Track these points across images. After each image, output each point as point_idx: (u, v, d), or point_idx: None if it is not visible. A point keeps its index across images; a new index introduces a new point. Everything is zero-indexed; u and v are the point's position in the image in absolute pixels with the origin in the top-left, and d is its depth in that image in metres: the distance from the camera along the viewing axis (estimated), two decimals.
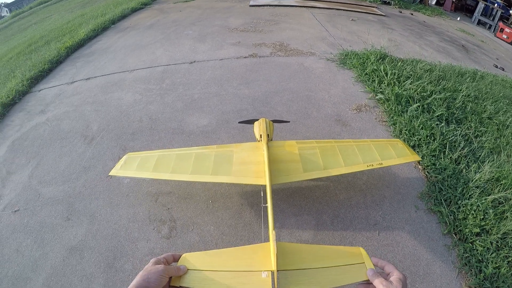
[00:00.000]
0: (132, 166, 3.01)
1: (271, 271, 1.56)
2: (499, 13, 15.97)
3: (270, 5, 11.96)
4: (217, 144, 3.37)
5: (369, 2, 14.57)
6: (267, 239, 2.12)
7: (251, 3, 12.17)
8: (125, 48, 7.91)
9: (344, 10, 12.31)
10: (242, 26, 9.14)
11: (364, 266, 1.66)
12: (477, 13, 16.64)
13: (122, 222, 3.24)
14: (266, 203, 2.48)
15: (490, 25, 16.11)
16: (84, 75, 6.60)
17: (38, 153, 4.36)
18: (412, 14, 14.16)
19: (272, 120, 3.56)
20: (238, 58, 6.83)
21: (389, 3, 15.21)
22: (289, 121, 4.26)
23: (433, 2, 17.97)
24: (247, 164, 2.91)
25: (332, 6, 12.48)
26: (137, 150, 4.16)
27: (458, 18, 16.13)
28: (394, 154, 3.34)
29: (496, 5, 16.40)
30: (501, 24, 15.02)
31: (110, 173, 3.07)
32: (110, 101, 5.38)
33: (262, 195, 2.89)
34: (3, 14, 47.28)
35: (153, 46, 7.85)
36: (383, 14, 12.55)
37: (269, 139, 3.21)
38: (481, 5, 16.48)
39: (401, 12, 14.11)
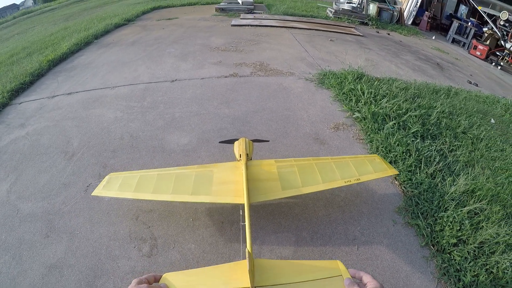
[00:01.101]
0: (115, 186, 3.08)
1: None
2: (472, 31, 16.85)
3: (251, 25, 12.35)
4: (197, 164, 3.54)
5: (347, 22, 15.16)
6: (245, 257, 2.22)
7: (233, 23, 12.53)
8: (107, 64, 8.00)
9: (323, 30, 12.79)
10: (224, 46, 9.41)
11: (342, 279, 1.73)
12: (451, 32, 17.50)
13: (102, 240, 3.26)
14: (244, 222, 2.58)
15: (464, 43, 16.95)
16: (65, 90, 6.63)
17: (17, 168, 4.35)
18: (389, 34, 14.80)
19: (252, 140, 3.70)
20: (219, 78, 7.03)
21: (366, 24, 15.87)
22: (268, 141, 4.41)
23: (409, 22, 18.80)
24: (227, 183, 3.01)
25: (311, 27, 12.96)
26: (117, 168, 4.25)
27: (433, 37, 16.91)
28: (372, 169, 3.51)
29: (469, 23, 17.31)
30: (474, 41, 15.84)
31: (93, 193, 3.11)
32: (91, 117, 5.44)
33: (241, 213, 2.98)
34: None
35: (135, 63, 7.97)
36: (360, 34, 13.09)
37: (249, 158, 3.34)
38: (455, 24, 17.37)
39: (378, 32, 14.73)
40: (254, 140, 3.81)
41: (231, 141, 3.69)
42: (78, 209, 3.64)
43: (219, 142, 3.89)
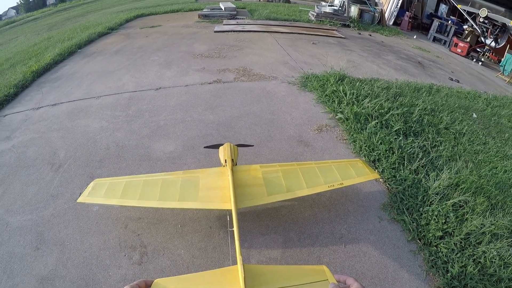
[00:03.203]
0: (100, 193, 3.12)
1: None
2: (453, 29, 17.37)
3: (234, 31, 12.50)
4: (183, 170, 3.53)
5: (329, 25, 15.44)
6: (235, 262, 2.29)
7: (216, 29, 12.67)
8: (91, 74, 8.01)
9: (305, 34, 13.02)
10: (207, 52, 9.52)
11: (327, 283, 1.87)
12: (432, 31, 17.99)
13: (92, 250, 3.30)
14: (232, 227, 2.65)
15: (445, 41, 17.44)
16: (50, 101, 6.63)
17: (4, 181, 4.34)
18: (370, 35, 15.15)
19: (236, 145, 3.80)
20: (203, 84, 7.13)
21: (348, 26, 16.20)
22: (253, 145, 4.52)
23: (391, 23, 19.27)
24: (213, 189, 3.10)
25: (294, 31, 13.19)
26: (104, 177, 4.27)
27: (415, 37, 17.36)
28: (354, 174, 3.67)
29: (450, 22, 17.84)
30: (455, 39, 16.33)
31: (78, 200, 3.15)
32: (77, 128, 5.46)
33: (228, 219, 3.05)
34: None
35: (120, 72, 8.01)
36: (342, 36, 13.36)
37: (234, 163, 3.43)
38: (436, 23, 17.87)
39: (360, 33, 15.06)
40: (239, 145, 3.91)
41: (216, 146, 3.79)
42: (67, 220, 3.66)
43: (204, 147, 4.02)
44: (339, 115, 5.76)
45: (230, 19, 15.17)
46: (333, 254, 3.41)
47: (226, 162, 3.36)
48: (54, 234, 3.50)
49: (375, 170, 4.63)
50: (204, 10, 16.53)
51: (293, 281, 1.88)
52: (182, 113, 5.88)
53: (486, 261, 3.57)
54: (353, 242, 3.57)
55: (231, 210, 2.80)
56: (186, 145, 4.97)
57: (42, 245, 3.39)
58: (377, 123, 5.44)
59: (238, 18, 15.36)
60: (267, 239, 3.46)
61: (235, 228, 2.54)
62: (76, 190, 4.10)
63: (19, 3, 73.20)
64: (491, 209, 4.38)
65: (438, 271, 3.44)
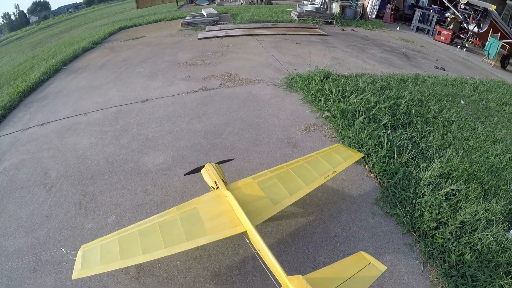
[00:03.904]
0: (95, 260, 2.70)
1: None
2: (435, 18, 17.55)
3: (217, 37, 12.53)
4: (175, 206, 3.19)
5: (312, 23, 15.51)
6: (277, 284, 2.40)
7: (199, 36, 12.69)
8: (78, 91, 8.01)
9: (288, 34, 13.08)
10: (191, 60, 9.53)
11: (373, 265, 2.27)
12: (415, 21, 18.13)
13: None
14: (256, 249, 2.62)
15: (428, 30, 17.59)
16: (38, 121, 6.60)
17: None
18: (353, 30, 15.24)
19: (217, 163, 3.67)
20: (189, 93, 7.13)
21: (331, 23, 16.28)
22: (233, 159, 4.34)
23: (373, 16, 19.37)
24: (218, 217, 2.94)
25: (277, 32, 13.24)
26: (97, 195, 4.27)
27: (398, 28, 17.49)
28: (341, 159, 3.73)
29: (432, 10, 18.01)
30: (438, 27, 16.49)
31: (74, 277, 2.65)
32: (66, 146, 5.45)
33: (247, 241, 2.92)
34: None
35: (105, 86, 8.01)
36: (326, 33, 13.43)
37: (225, 183, 3.32)
38: (418, 13, 18.02)
39: (343, 29, 15.14)
40: (219, 162, 3.76)
41: (197, 170, 3.65)
42: (63, 240, 3.65)
43: (185, 174, 3.84)
44: (326, 114, 5.78)
45: (213, 25, 15.19)
46: (328, 254, 3.41)
47: (216, 184, 3.26)
48: (51, 254, 3.49)
49: (365, 166, 4.66)
50: (186, 18, 16.55)
51: (345, 275, 2.17)
52: (170, 123, 5.87)
53: (483, 247, 3.58)
54: (348, 240, 3.58)
55: (245, 232, 2.76)
56: (175, 156, 4.97)
57: (40, 266, 3.38)
58: (365, 118, 5.46)
59: (221, 23, 15.40)
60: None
61: (264, 247, 2.49)
62: (70, 209, 4.08)
63: (1, 23, 73.26)
64: (484, 195, 4.40)
65: (435, 262, 3.45)
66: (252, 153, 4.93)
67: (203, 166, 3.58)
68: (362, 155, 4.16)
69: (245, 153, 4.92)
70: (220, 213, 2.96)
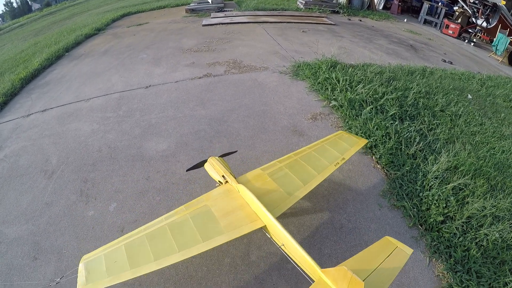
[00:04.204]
0: (101, 272, 2.41)
1: None
2: (443, 11, 17.33)
3: (222, 24, 12.34)
4: (184, 205, 2.99)
5: (318, 12, 15.32)
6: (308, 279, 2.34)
7: (204, 22, 12.50)
8: (80, 77, 7.91)
9: (295, 22, 12.89)
10: (196, 47, 9.40)
11: (400, 250, 2.32)
12: (422, 13, 17.89)
13: None
14: (279, 244, 2.52)
15: (436, 23, 17.37)
16: (40, 107, 6.53)
17: None
18: (360, 20, 15.04)
19: (220, 156, 3.52)
20: (193, 79, 7.03)
21: (338, 12, 16.08)
22: (236, 151, 4.11)
23: (381, 7, 19.13)
24: (232, 213, 2.77)
25: (283, 20, 13.05)
26: (98, 181, 4.21)
27: (405, 20, 17.26)
28: (347, 145, 3.66)
29: (440, 3, 17.77)
30: (446, 21, 16.27)
31: None
32: (68, 133, 5.38)
33: (268, 236, 2.78)
34: None
35: (108, 72, 7.91)
36: (332, 23, 13.24)
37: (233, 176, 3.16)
38: (426, 5, 17.77)
39: (350, 19, 14.94)
40: (222, 155, 3.60)
41: (200, 165, 3.48)
42: (63, 227, 3.61)
43: (187, 170, 3.63)
44: (333, 103, 5.69)
45: (217, 11, 14.97)
46: (334, 245, 3.37)
47: (224, 178, 3.10)
48: (51, 242, 3.45)
49: (372, 157, 4.60)
50: (191, 4, 16.30)
51: (376, 262, 2.21)
52: (173, 109, 5.79)
53: (488, 244, 3.55)
54: (354, 232, 3.53)
55: (264, 226, 2.64)
56: (179, 142, 4.89)
57: (40, 254, 3.34)
58: (372, 108, 5.38)
59: (226, 10, 15.17)
60: (265, 234, 3.38)
61: (290, 240, 2.39)
62: (71, 196, 4.03)
63: (4, 10, 72.56)
64: (491, 191, 4.36)
65: (441, 256, 3.42)
66: (257, 141, 4.86)
67: (206, 160, 3.42)
68: (367, 141, 4.11)
69: (250, 141, 4.85)
70: (234, 208, 2.79)
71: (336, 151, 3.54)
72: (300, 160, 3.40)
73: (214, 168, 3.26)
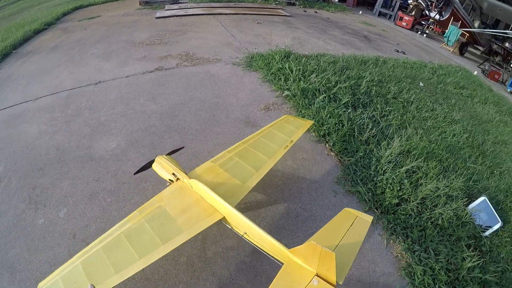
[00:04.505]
0: None
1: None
2: (398, 4, 18.14)
3: (176, 16, 12.12)
4: (136, 210, 2.84)
5: (275, 4, 15.45)
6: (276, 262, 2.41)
7: (157, 15, 12.23)
8: (27, 75, 7.45)
9: (250, 14, 12.93)
10: (148, 40, 9.16)
11: (360, 218, 2.47)
12: (377, 6, 18.61)
13: (43, 267, 3.09)
14: (241, 233, 2.53)
15: (390, 15, 18.14)
16: None
17: None
18: (316, 12, 15.34)
19: (167, 154, 3.46)
20: (144, 73, 6.85)
21: (294, 4, 16.29)
22: (183, 147, 4.00)
23: (337, 0, 19.65)
24: (188, 209, 2.73)
25: (238, 11, 13.03)
26: (47, 187, 3.99)
27: (360, 12, 17.85)
28: (294, 128, 3.76)
29: None
30: (400, 13, 17.07)
31: None
32: (14, 136, 5.06)
33: (229, 227, 2.77)
34: None
35: (57, 69, 7.52)
36: (288, 14, 13.41)
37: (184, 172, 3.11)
38: None
39: (305, 11, 15.19)
40: (169, 153, 3.53)
41: (148, 166, 3.38)
42: (13, 239, 3.39)
43: (134, 173, 3.51)
44: (286, 92, 5.74)
45: (172, 3, 14.71)
46: (291, 234, 3.39)
47: (175, 176, 3.04)
48: (2, 256, 3.24)
49: (326, 144, 4.69)
50: None
51: (341, 232, 2.35)
52: (123, 106, 5.60)
53: (444, 222, 3.74)
54: (310, 220, 3.58)
55: (223, 217, 2.64)
56: (129, 140, 4.74)
57: None
58: (325, 97, 5.47)
59: (181, 2, 14.94)
60: (221, 228, 3.36)
61: (252, 226, 2.43)
62: (19, 204, 3.79)
63: None
64: (444, 172, 4.60)
65: (398, 238, 3.55)
66: (209, 134, 4.80)
67: (153, 161, 3.32)
68: (312, 122, 4.24)
69: (202, 134, 4.78)
70: (190, 205, 2.76)
71: (283, 135, 3.60)
72: (250, 147, 3.43)
73: (163, 167, 3.18)
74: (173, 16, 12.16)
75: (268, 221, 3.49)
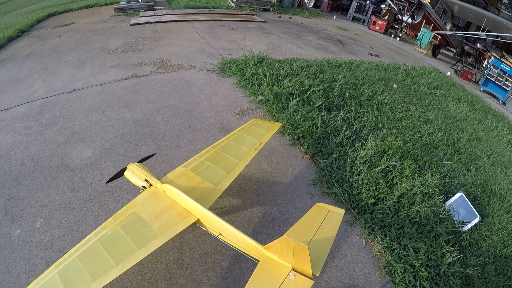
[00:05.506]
0: None
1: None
2: (371, 9, 18.68)
3: (151, 23, 12.09)
4: (111, 216, 2.88)
5: (249, 10, 15.62)
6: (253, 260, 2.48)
7: (132, 22, 12.17)
8: (0, 84, 7.28)
9: (225, 20, 13.03)
10: (123, 47, 9.12)
11: (333, 212, 2.57)
12: (351, 11, 19.12)
13: (21, 279, 3.04)
14: (216, 234, 2.59)
15: (364, 20, 18.68)
16: None
17: None
18: (290, 18, 15.59)
19: (139, 161, 3.50)
20: (118, 81, 6.82)
21: (268, 10, 16.50)
22: (154, 154, 4.07)
23: (311, 5, 20.02)
24: (163, 214, 2.77)
25: (213, 18, 13.11)
26: (22, 197, 3.93)
27: (334, 17, 18.26)
28: (263, 131, 3.87)
29: (368, 1, 19.07)
30: (373, 17, 17.59)
31: None
32: None
33: (204, 229, 2.84)
34: None
35: (31, 78, 7.38)
36: (262, 20, 13.59)
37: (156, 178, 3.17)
38: (354, 3, 19.02)
39: (280, 17, 15.42)
40: (140, 160, 3.57)
41: (120, 174, 3.42)
42: None
43: (107, 182, 3.53)
44: (260, 97, 5.82)
45: (147, 10, 14.71)
46: (268, 237, 3.42)
47: (147, 182, 3.08)
48: None
49: (301, 147, 4.77)
50: (120, 3, 15.79)
51: (314, 226, 2.43)
52: (98, 114, 5.57)
53: (422, 219, 3.86)
54: (287, 223, 3.62)
55: (197, 220, 2.70)
56: (104, 148, 4.72)
57: None
58: (299, 101, 5.57)
59: (156, 9, 14.95)
60: (198, 234, 3.39)
61: (227, 227, 2.51)
62: None
63: None
64: (419, 171, 4.75)
65: (377, 237, 3.64)
66: (183, 140, 4.82)
67: (125, 168, 3.35)
68: (281, 124, 4.32)
69: (176, 141, 4.79)
70: (164, 209, 2.80)
71: (253, 138, 3.70)
72: (220, 151, 3.50)
73: (135, 174, 3.21)
74: (148, 23, 12.14)
75: (244, 225, 3.52)
